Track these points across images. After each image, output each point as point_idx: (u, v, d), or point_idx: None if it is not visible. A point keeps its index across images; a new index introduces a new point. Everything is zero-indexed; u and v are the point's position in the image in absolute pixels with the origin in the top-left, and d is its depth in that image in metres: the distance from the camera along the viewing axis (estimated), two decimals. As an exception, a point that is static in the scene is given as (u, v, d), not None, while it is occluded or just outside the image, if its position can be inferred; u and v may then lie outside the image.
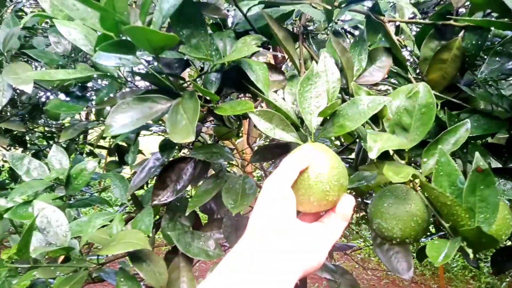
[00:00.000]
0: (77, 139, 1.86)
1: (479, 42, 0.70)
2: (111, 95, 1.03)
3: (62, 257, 1.05)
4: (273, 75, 0.72)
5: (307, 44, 0.78)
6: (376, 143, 0.53)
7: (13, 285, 0.79)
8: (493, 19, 0.70)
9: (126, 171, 1.76)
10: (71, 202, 1.06)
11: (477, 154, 0.50)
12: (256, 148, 1.93)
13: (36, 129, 1.96)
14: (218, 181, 0.82)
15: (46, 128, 1.98)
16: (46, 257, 0.88)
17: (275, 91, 0.72)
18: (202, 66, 0.79)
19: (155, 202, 0.81)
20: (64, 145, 1.69)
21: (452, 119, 0.67)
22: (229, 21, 0.81)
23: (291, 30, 0.92)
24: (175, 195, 0.82)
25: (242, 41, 0.68)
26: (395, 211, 0.57)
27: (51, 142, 1.96)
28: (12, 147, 1.87)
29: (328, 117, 0.58)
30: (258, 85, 0.62)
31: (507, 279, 3.27)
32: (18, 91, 1.45)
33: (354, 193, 1.25)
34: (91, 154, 2.04)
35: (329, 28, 0.79)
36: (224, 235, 0.84)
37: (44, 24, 1.66)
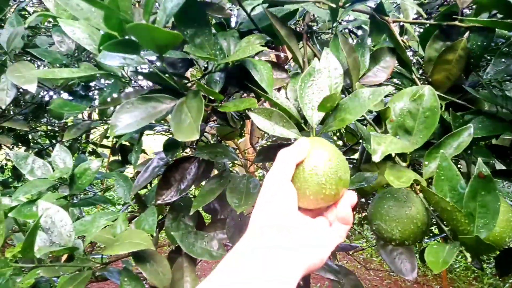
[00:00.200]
0: (79, 139, 1.87)
1: (484, 43, 0.70)
2: (115, 94, 1.03)
3: (65, 256, 1.06)
4: (275, 73, 0.72)
5: (311, 43, 0.78)
6: (380, 146, 0.53)
7: (17, 284, 0.79)
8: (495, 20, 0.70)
9: (129, 171, 1.76)
10: (74, 201, 1.06)
11: (479, 160, 0.50)
12: (258, 148, 1.94)
13: (39, 128, 1.96)
14: (222, 181, 0.82)
15: (49, 127, 1.99)
16: (50, 256, 0.89)
17: (278, 89, 0.72)
18: (206, 66, 0.79)
19: (158, 202, 0.81)
20: (67, 145, 1.69)
21: (457, 121, 0.67)
22: (233, 21, 0.81)
23: (297, 30, 0.92)
24: (179, 194, 0.82)
25: (246, 40, 0.68)
26: (395, 214, 0.57)
27: (53, 141, 1.97)
28: (15, 146, 1.88)
29: (330, 112, 0.58)
30: (262, 85, 0.61)
31: (510, 281, 3.26)
32: (21, 90, 1.45)
33: (356, 193, 1.24)
34: (94, 153, 2.05)
35: (333, 27, 0.79)
36: (227, 235, 0.84)
37: (47, 23, 1.67)
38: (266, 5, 0.75)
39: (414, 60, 1.20)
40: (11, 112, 1.54)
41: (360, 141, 1.04)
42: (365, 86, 0.69)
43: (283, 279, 0.41)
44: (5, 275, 0.73)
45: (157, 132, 1.37)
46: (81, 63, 1.12)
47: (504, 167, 0.78)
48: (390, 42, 0.78)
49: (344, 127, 1.29)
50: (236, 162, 1.13)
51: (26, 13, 1.77)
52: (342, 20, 0.98)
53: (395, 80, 0.89)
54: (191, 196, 1.11)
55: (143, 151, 1.49)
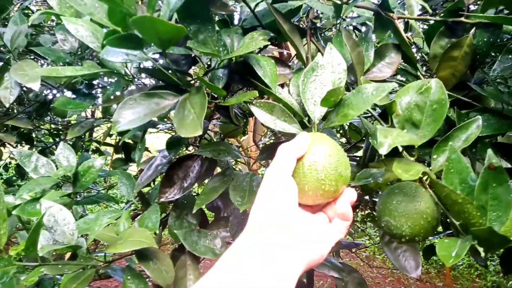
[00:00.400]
0: (83, 137, 1.87)
1: (491, 40, 0.69)
2: (118, 92, 1.03)
3: (69, 254, 1.06)
4: (278, 68, 0.72)
5: (315, 39, 0.78)
6: (387, 139, 0.52)
7: (21, 281, 0.79)
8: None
9: (132, 169, 1.77)
10: (78, 199, 1.06)
11: (489, 151, 0.49)
12: (262, 145, 1.93)
13: (42, 127, 1.97)
14: (225, 179, 0.81)
15: (53, 126, 1.99)
16: (53, 254, 0.89)
17: (281, 86, 0.71)
18: (209, 62, 0.79)
19: (162, 200, 0.81)
20: (71, 143, 1.70)
21: (462, 118, 0.66)
22: (236, 18, 0.80)
23: (301, 26, 0.91)
24: (182, 192, 0.82)
25: (250, 36, 0.67)
26: (404, 209, 0.56)
27: (57, 139, 1.97)
28: (19, 144, 1.88)
29: (333, 108, 0.57)
30: (265, 81, 0.61)
31: (514, 278, 3.25)
32: (25, 88, 1.45)
33: (360, 191, 1.24)
34: (97, 151, 2.05)
35: (337, 24, 0.79)
36: (230, 233, 0.84)
37: (50, 21, 1.67)
38: (270, 1, 0.74)
39: (419, 57, 1.20)
40: (15, 111, 1.55)
41: (364, 138, 1.03)
42: (370, 81, 0.68)
43: (281, 276, 0.40)
44: (9, 273, 0.73)
45: (160, 130, 1.37)
46: (84, 61, 1.12)
47: (510, 166, 0.77)
48: (395, 38, 0.78)
49: (348, 124, 1.29)
50: (239, 160, 1.13)
51: (30, 11, 1.77)
52: (346, 17, 0.98)
53: (399, 77, 0.88)
54: (194, 194, 1.10)
55: (146, 149, 1.49)
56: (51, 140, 2.04)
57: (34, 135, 1.94)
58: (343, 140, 1.55)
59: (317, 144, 0.49)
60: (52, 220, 0.69)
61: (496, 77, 0.70)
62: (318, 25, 1.25)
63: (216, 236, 0.82)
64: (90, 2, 0.56)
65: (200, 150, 0.80)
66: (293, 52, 1.39)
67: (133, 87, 0.99)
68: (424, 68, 1.11)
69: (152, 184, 1.18)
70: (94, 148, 2.07)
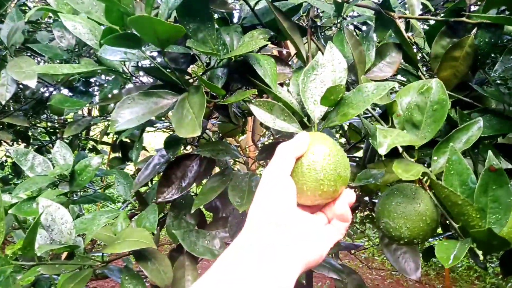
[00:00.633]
0: (80, 135, 1.86)
1: (492, 40, 0.69)
2: (116, 90, 1.02)
3: (66, 253, 1.05)
4: (278, 67, 0.71)
5: (315, 38, 0.77)
6: (386, 139, 0.51)
7: (17, 281, 0.78)
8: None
9: (130, 168, 1.76)
10: (75, 198, 1.05)
11: (490, 153, 0.49)
12: (260, 145, 1.92)
13: (38, 125, 1.96)
14: (224, 179, 0.80)
15: (49, 124, 1.98)
16: (50, 253, 0.88)
17: (281, 85, 0.70)
18: (208, 61, 0.78)
19: (159, 199, 0.80)
20: (67, 141, 1.68)
21: (464, 118, 0.66)
22: (236, 16, 0.79)
23: (301, 25, 0.90)
24: (180, 192, 0.81)
25: (249, 35, 0.66)
26: (403, 210, 0.55)
27: (53, 137, 1.96)
28: (15, 142, 1.87)
29: (333, 107, 0.56)
30: (266, 80, 0.60)
31: (512, 280, 3.26)
32: (21, 85, 1.44)
33: (359, 192, 1.23)
34: (94, 150, 2.04)
35: (338, 22, 0.78)
36: (229, 233, 0.83)
37: (47, 18, 1.65)
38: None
39: (420, 57, 1.19)
40: (11, 108, 1.54)
41: (364, 138, 1.03)
42: (371, 81, 0.67)
43: (279, 275, 0.40)
44: (5, 272, 0.72)
45: (158, 129, 1.36)
46: (81, 58, 1.11)
47: (511, 166, 0.77)
48: (396, 38, 0.77)
49: (348, 124, 1.28)
50: (237, 160, 1.12)
51: (27, 8, 1.76)
52: (347, 16, 0.97)
53: (400, 77, 0.87)
54: (192, 194, 1.10)
55: (144, 148, 1.48)
56: (47, 138, 2.02)
57: (30, 133, 1.92)
58: (343, 140, 1.54)
59: (317, 144, 0.48)
60: (50, 219, 0.68)
61: (497, 78, 0.70)
62: (319, 24, 1.24)
63: (215, 237, 0.81)
64: (87, 1, 0.55)
65: (198, 150, 0.80)
66: (292, 51, 1.38)
67: (131, 85, 0.99)
68: (425, 68, 1.10)
69: (149, 184, 1.17)
70: (91, 147, 2.05)
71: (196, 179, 0.84)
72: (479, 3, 0.76)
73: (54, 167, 0.95)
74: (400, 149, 0.59)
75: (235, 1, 0.93)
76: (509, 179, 0.68)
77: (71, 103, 1.04)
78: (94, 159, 0.92)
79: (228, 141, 1.92)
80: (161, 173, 0.84)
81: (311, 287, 1.01)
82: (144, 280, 0.77)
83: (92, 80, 1.33)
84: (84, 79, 1.21)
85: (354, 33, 0.72)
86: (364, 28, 1.10)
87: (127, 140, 1.50)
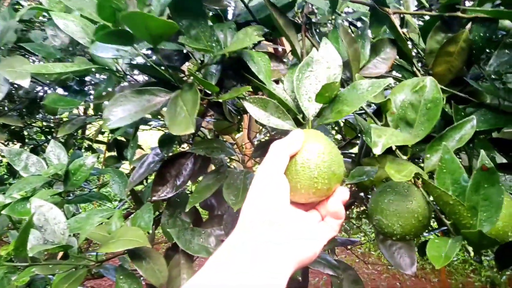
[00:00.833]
0: (75, 134, 1.85)
1: (487, 35, 0.68)
2: (110, 89, 1.01)
3: (61, 253, 1.04)
4: (273, 64, 0.70)
5: (310, 34, 0.76)
6: (381, 139, 0.51)
7: (12, 281, 0.78)
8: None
9: (125, 166, 1.75)
10: (69, 198, 1.05)
11: (482, 152, 0.49)
12: (256, 143, 1.92)
13: (34, 124, 1.94)
14: (219, 177, 0.80)
15: (44, 123, 1.97)
16: (45, 253, 0.87)
17: (276, 81, 0.70)
18: (202, 59, 0.77)
19: (154, 198, 0.79)
20: (62, 140, 1.67)
21: (459, 113, 0.66)
22: (230, 13, 0.79)
23: (296, 22, 0.90)
24: (175, 190, 0.81)
25: (244, 31, 0.66)
26: (396, 208, 0.56)
27: (49, 137, 1.94)
28: (10, 142, 1.86)
29: (327, 104, 0.56)
30: (260, 77, 0.60)
31: (507, 273, 3.28)
32: (15, 85, 1.43)
33: (355, 188, 1.23)
34: (90, 149, 2.03)
35: (332, 19, 0.77)
36: (224, 231, 0.83)
37: (41, 17, 1.64)
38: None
39: (415, 53, 1.19)
40: (6, 108, 1.52)
41: (359, 135, 1.02)
42: (365, 78, 0.67)
43: (272, 273, 0.40)
44: (-1, 273, 0.71)
45: (153, 127, 1.35)
46: (75, 57, 1.10)
47: (505, 161, 0.77)
48: (390, 33, 0.77)
49: (344, 120, 1.28)
50: (233, 157, 1.12)
51: (20, 7, 1.74)
52: (341, 12, 0.97)
53: (395, 73, 0.87)
54: (188, 192, 1.09)
55: (139, 147, 1.47)
56: (43, 137, 2.01)
57: (26, 133, 1.91)
58: (339, 137, 1.54)
59: (311, 142, 0.48)
60: (43, 219, 0.68)
61: (492, 73, 0.69)
62: (314, 20, 1.23)
63: (210, 235, 0.81)
64: (79, -4, 0.55)
65: (193, 148, 0.79)
66: (288, 48, 1.37)
67: (125, 83, 0.98)
68: (420, 64, 1.10)
69: (145, 182, 1.17)
70: (87, 146, 2.04)
71: (191, 177, 0.84)
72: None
73: (48, 166, 0.95)
74: (394, 147, 0.59)
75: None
76: (503, 174, 0.69)
77: (65, 102, 1.03)
78: (88, 158, 0.91)
79: (224, 139, 1.91)
80: (156, 172, 0.83)
81: (307, 283, 1.01)
82: (141, 278, 0.77)
83: (87, 79, 1.32)
84: (78, 78, 1.20)
85: (349, 30, 0.71)
86: (359, 24, 1.10)
87: (123, 139, 1.49)
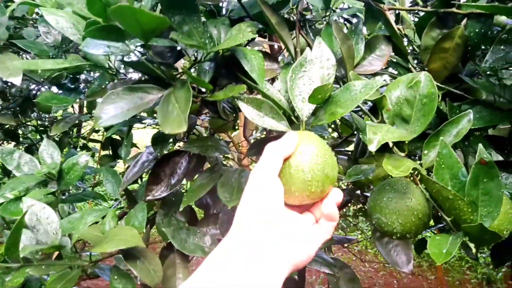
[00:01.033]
0: (70, 133, 1.83)
1: (482, 30, 0.68)
2: (103, 86, 1.00)
3: (56, 253, 1.03)
4: (266, 63, 0.69)
5: (304, 32, 0.76)
6: (376, 135, 0.51)
7: (6, 282, 0.77)
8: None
9: (120, 165, 1.73)
10: (64, 197, 1.04)
11: (480, 146, 0.48)
12: (252, 140, 1.91)
13: (28, 123, 1.93)
14: (213, 175, 0.79)
15: (39, 122, 1.95)
16: (40, 253, 0.86)
17: (271, 82, 0.69)
18: (195, 55, 0.77)
19: (148, 197, 0.79)
20: (57, 139, 1.66)
21: (454, 111, 0.65)
22: (224, 9, 0.78)
23: (289, 19, 0.89)
24: (170, 189, 0.80)
25: (237, 28, 0.65)
26: (395, 206, 0.55)
27: (44, 136, 1.93)
28: (4, 142, 1.84)
29: (321, 105, 0.56)
30: (252, 75, 0.59)
31: (503, 270, 3.29)
32: (9, 83, 1.41)
33: (351, 186, 1.23)
34: (85, 147, 2.02)
35: (327, 15, 0.77)
36: (220, 230, 0.82)
37: (35, 14, 1.62)
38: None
39: (410, 49, 1.18)
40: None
41: (356, 132, 1.02)
42: (360, 76, 0.67)
43: (267, 272, 0.40)
44: (-8, 274, 0.71)
45: (148, 125, 1.34)
46: (68, 54, 1.09)
47: (501, 158, 0.77)
48: (385, 30, 0.76)
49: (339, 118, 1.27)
50: (227, 155, 1.11)
51: (12, 3, 1.72)
52: (336, 8, 0.96)
53: (391, 70, 0.87)
54: (183, 191, 1.08)
55: (135, 145, 1.46)
56: (38, 136, 1.99)
57: (21, 132, 1.89)
58: (335, 134, 1.53)
59: (304, 144, 0.48)
60: (35, 219, 0.67)
61: (488, 69, 0.69)
62: (309, 17, 1.23)
63: (206, 234, 0.81)
64: (69, -8, 0.53)
65: (187, 146, 0.78)
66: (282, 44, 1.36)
67: (117, 81, 0.97)
68: (416, 60, 1.10)
69: (140, 181, 1.16)
70: (82, 145, 2.03)
71: (185, 176, 0.83)
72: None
73: (41, 166, 0.93)
74: (391, 144, 0.59)
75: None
76: (500, 171, 0.68)
77: (58, 100, 1.01)
78: (81, 157, 0.90)
79: (221, 137, 1.90)
80: (150, 171, 0.82)
81: (304, 282, 1.00)
82: (137, 278, 0.76)
83: (83, 77, 1.31)
84: (71, 76, 1.19)
85: (343, 27, 0.71)
86: (354, 21, 1.09)
87: (117, 137, 1.48)
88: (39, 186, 0.99)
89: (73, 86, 1.15)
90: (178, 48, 0.72)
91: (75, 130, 1.97)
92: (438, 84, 0.71)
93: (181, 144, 1.23)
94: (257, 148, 0.83)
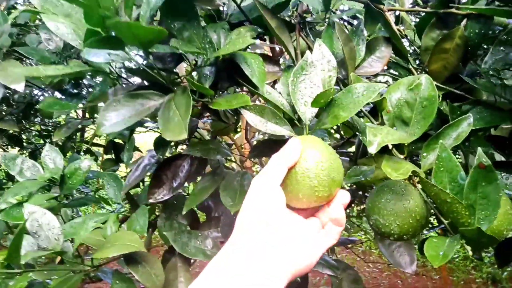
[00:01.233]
0: (74, 137, 1.84)
1: (482, 31, 0.68)
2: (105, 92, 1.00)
3: (59, 258, 1.04)
4: (267, 66, 0.70)
5: (304, 34, 0.76)
6: (376, 138, 0.51)
7: (9, 287, 0.77)
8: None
9: (123, 169, 1.74)
10: (67, 202, 1.04)
11: (479, 150, 0.48)
12: (254, 143, 1.91)
13: (32, 128, 1.94)
14: (215, 178, 0.80)
15: (43, 127, 1.96)
16: (44, 257, 0.87)
17: (273, 84, 0.69)
18: (196, 60, 0.77)
19: (150, 201, 0.79)
20: (60, 144, 1.67)
21: (454, 112, 0.65)
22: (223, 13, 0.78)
23: (289, 21, 0.89)
24: (172, 193, 0.80)
25: (236, 32, 0.65)
26: (393, 207, 0.55)
27: (47, 141, 1.94)
28: (9, 147, 1.85)
29: (324, 108, 0.56)
30: (253, 80, 0.59)
31: (508, 269, 3.27)
32: (12, 90, 1.42)
33: (354, 186, 1.23)
34: (89, 152, 2.02)
35: (327, 18, 0.77)
36: (222, 233, 0.82)
37: (37, 21, 1.63)
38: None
39: (412, 50, 1.18)
40: (3, 113, 1.52)
41: (357, 133, 1.02)
42: (361, 77, 0.66)
43: (268, 274, 0.40)
44: (-4, 279, 0.71)
45: (150, 129, 1.35)
46: (70, 60, 1.10)
47: (503, 158, 0.76)
48: (385, 31, 0.76)
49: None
50: (230, 158, 1.11)
51: (15, 11, 1.73)
52: (336, 9, 0.96)
53: (391, 71, 0.87)
54: (185, 194, 1.09)
55: (137, 149, 1.47)
56: (42, 141, 2.01)
57: (24, 137, 1.90)
58: (337, 135, 1.53)
59: (309, 149, 0.48)
60: (36, 225, 0.67)
61: (488, 69, 0.69)
62: (309, 19, 1.23)
63: (207, 237, 0.81)
64: (67, 4, 0.54)
65: (188, 149, 0.79)
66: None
67: (118, 86, 0.97)
68: (418, 61, 1.09)
69: (142, 186, 1.16)
70: (85, 149, 2.04)
71: (187, 179, 0.83)
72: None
73: (44, 171, 0.94)
74: (390, 146, 0.59)
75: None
76: (500, 172, 0.68)
77: (60, 105, 1.02)
78: (84, 161, 0.90)
79: (223, 139, 1.90)
80: (152, 174, 0.82)
81: (307, 283, 1.00)
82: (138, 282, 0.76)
83: (85, 82, 1.32)
84: (73, 81, 1.20)
85: (345, 28, 0.71)
86: (355, 22, 1.09)
87: (120, 141, 1.49)
88: (42, 191, 0.99)
89: (75, 92, 1.16)
90: (179, 52, 0.73)
91: (78, 134, 1.98)
92: (439, 84, 0.71)
93: (184, 147, 1.24)
94: (259, 150, 0.83)
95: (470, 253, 0.50)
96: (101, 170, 1.64)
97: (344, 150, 1.12)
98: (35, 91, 1.48)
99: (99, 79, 1.39)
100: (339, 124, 1.34)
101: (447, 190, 0.50)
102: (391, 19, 0.73)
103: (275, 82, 0.83)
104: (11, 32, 1.14)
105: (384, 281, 3.59)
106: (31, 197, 0.88)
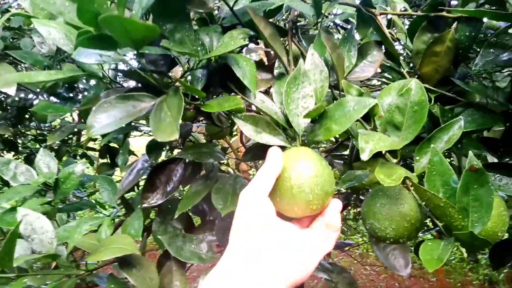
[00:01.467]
0: (69, 142, 1.83)
1: (473, 34, 0.69)
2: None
3: (55, 263, 1.03)
4: (260, 74, 0.70)
5: (296, 40, 0.76)
6: (368, 144, 0.52)
7: (4, 292, 0.77)
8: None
9: (119, 173, 1.73)
10: (61, 206, 1.04)
11: (470, 153, 0.49)
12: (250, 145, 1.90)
13: (27, 132, 1.93)
14: (208, 182, 0.80)
15: (38, 131, 1.95)
16: (40, 263, 0.86)
17: (266, 92, 0.70)
18: (188, 63, 0.77)
19: (144, 205, 0.79)
20: (56, 148, 1.66)
21: (446, 115, 0.66)
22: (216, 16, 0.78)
23: (283, 26, 0.89)
24: (165, 197, 0.80)
25: (229, 35, 0.65)
26: (388, 212, 0.56)
27: (43, 145, 1.93)
28: (4, 152, 1.84)
29: (316, 118, 0.57)
30: (244, 82, 0.59)
31: (505, 271, 3.28)
32: (5, 94, 1.42)
33: (348, 189, 1.23)
34: (84, 156, 2.02)
35: (318, 22, 0.77)
36: (217, 237, 0.82)
37: (32, 25, 1.63)
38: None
39: (405, 54, 1.19)
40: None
41: (351, 136, 1.02)
42: (352, 83, 0.67)
43: (264, 275, 0.41)
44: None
45: (145, 133, 1.35)
46: (64, 64, 1.10)
47: (495, 160, 0.77)
48: (377, 35, 0.77)
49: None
50: (222, 162, 1.11)
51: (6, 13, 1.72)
52: (329, 14, 0.96)
53: (385, 74, 0.87)
54: (179, 198, 1.08)
55: (132, 153, 1.46)
56: (37, 146, 2.00)
57: (20, 142, 1.89)
58: (332, 138, 1.53)
59: (303, 163, 0.50)
60: (29, 228, 0.67)
61: (479, 72, 0.70)
62: (302, 23, 1.23)
63: (202, 241, 0.80)
64: (60, 1, 0.54)
65: (181, 153, 0.79)
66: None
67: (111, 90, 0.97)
68: (411, 64, 1.10)
69: (136, 189, 1.16)
70: (81, 153, 2.03)
71: (181, 183, 0.83)
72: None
73: (38, 175, 0.94)
74: (383, 151, 0.59)
75: (215, 1, 0.92)
76: (492, 173, 0.68)
77: (54, 109, 1.02)
78: (77, 166, 0.90)
79: (220, 143, 1.90)
80: (146, 178, 0.82)
81: (303, 285, 1.00)
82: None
83: (81, 86, 1.31)
84: (67, 85, 1.19)
85: (332, 34, 0.71)
86: (349, 26, 1.10)
87: (115, 145, 1.48)
88: (36, 196, 0.99)
89: (69, 95, 1.16)
90: (171, 55, 0.73)
91: (74, 138, 1.97)
92: (430, 87, 0.72)
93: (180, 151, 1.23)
94: (253, 153, 0.83)
95: (465, 255, 0.51)
96: (97, 175, 1.63)
97: (338, 153, 1.12)
98: (30, 95, 1.47)
99: (93, 82, 1.39)
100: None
101: (440, 193, 0.50)
102: (383, 23, 0.73)
103: (267, 91, 0.83)
104: (4, 36, 1.14)
105: (381, 284, 3.59)
106: (25, 202, 0.88)
